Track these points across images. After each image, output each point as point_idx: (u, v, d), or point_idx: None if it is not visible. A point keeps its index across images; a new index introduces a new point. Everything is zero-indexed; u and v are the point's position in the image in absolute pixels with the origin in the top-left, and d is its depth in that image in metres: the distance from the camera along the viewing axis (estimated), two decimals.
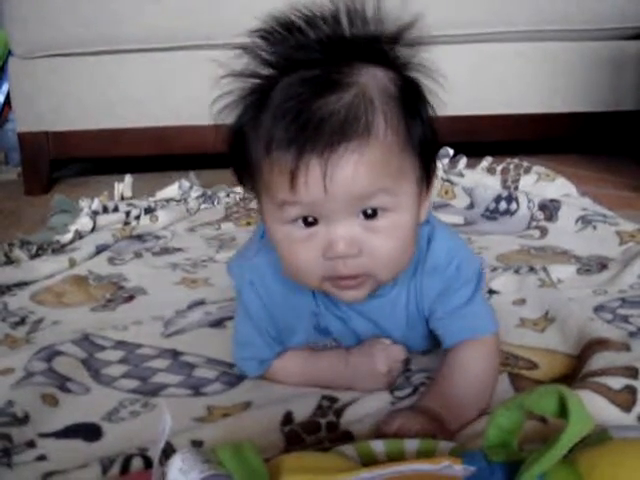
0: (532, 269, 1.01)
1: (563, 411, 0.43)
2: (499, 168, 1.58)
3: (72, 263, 1.18)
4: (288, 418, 0.66)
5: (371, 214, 0.59)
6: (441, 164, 1.57)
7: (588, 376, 0.66)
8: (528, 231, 1.29)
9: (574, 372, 0.72)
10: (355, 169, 0.56)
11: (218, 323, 0.91)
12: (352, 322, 0.71)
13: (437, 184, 1.46)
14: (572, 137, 2.05)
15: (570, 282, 0.99)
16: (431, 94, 0.62)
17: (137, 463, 0.59)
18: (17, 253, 1.19)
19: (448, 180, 1.53)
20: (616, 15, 1.90)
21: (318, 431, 0.64)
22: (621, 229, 1.20)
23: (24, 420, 0.68)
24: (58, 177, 2.01)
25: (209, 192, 1.64)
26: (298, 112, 0.56)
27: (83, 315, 0.98)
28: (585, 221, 1.26)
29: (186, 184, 1.67)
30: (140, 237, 1.36)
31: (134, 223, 1.42)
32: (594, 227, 1.24)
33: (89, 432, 0.67)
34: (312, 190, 0.57)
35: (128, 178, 1.69)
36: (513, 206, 1.39)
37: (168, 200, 1.59)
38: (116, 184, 1.66)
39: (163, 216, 1.45)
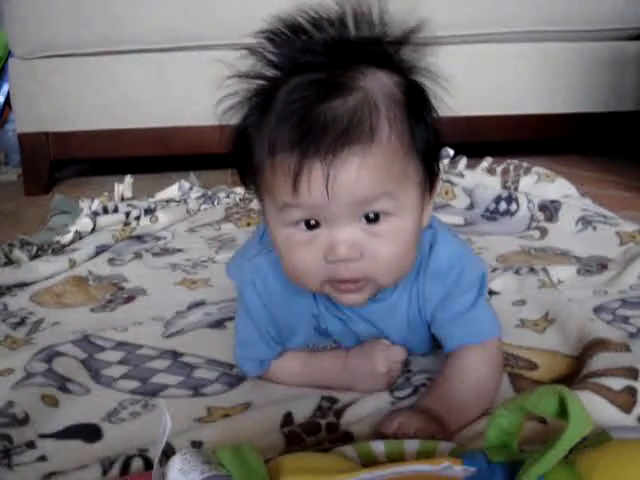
0: (532, 270, 1.01)
1: (563, 412, 0.43)
2: (499, 169, 1.58)
3: (72, 264, 1.18)
4: (288, 419, 0.66)
5: (373, 218, 0.59)
6: (441, 165, 1.57)
7: (588, 377, 0.66)
8: (528, 232, 1.29)
9: (574, 373, 0.72)
10: (358, 173, 0.56)
11: (218, 324, 0.91)
12: (352, 324, 0.71)
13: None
14: (572, 138, 2.05)
15: (570, 283, 0.99)
16: (436, 98, 0.62)
17: (137, 464, 0.59)
18: (17, 254, 1.19)
19: (448, 180, 1.52)
20: (616, 16, 1.90)
21: (318, 432, 0.64)
22: (621, 230, 1.20)
23: (24, 421, 0.68)
24: (58, 178, 2.01)
25: (209, 193, 1.64)
26: (302, 115, 0.56)
27: (83, 316, 0.98)
28: (585, 222, 1.26)
29: (186, 185, 1.67)
30: (140, 238, 1.36)
31: (134, 224, 1.42)
32: (594, 228, 1.24)
33: (89, 433, 0.67)
34: (314, 194, 0.56)
35: (128, 179, 1.69)
36: (513, 207, 1.39)
37: (168, 201, 1.59)
38: (116, 185, 1.66)
39: (163, 217, 1.45)
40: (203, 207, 1.58)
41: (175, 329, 0.90)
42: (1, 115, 2.30)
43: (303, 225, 0.60)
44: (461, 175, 1.57)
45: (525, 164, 1.57)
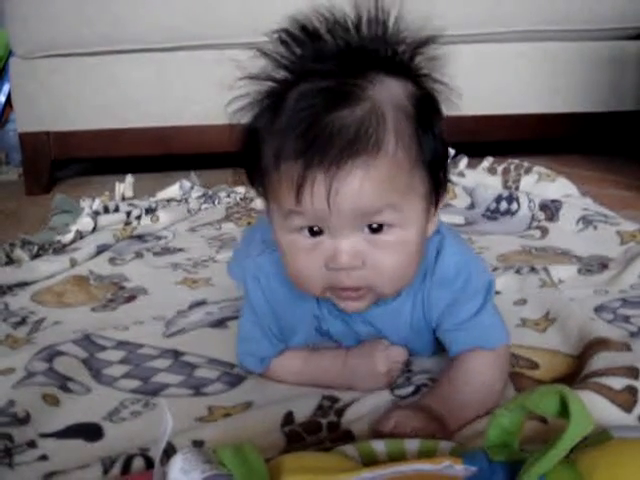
0: (533, 269, 1.01)
1: (564, 411, 0.43)
2: (500, 168, 1.58)
3: (73, 263, 1.18)
4: (289, 418, 0.66)
5: (377, 228, 0.59)
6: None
7: (589, 376, 0.66)
8: (529, 231, 1.29)
9: (575, 372, 0.72)
10: (361, 185, 0.56)
11: (219, 323, 0.91)
12: (354, 325, 0.71)
13: None
14: (572, 137, 2.05)
15: (571, 282, 0.99)
16: (445, 105, 0.62)
17: (138, 463, 0.59)
18: (18, 253, 1.19)
19: (449, 180, 1.52)
20: (616, 15, 1.90)
21: (319, 431, 0.64)
22: (622, 229, 1.20)
23: (25, 420, 0.68)
24: (59, 177, 2.01)
25: (210, 192, 1.64)
26: (309, 125, 0.55)
27: (84, 315, 0.98)
28: (586, 221, 1.26)
29: (187, 184, 1.67)
30: (141, 237, 1.36)
31: (135, 223, 1.42)
32: (595, 227, 1.24)
33: (90, 432, 0.67)
34: (317, 205, 0.56)
35: (129, 178, 1.69)
36: (514, 206, 1.39)
37: (169, 200, 1.60)
38: (117, 184, 1.66)
39: (164, 216, 1.45)
40: (204, 206, 1.58)
41: (176, 328, 0.90)
42: (2, 115, 2.30)
43: (307, 232, 0.60)
44: (462, 174, 1.57)
45: (526, 164, 1.57)
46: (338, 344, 0.74)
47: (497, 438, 0.48)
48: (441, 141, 0.62)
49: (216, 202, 1.59)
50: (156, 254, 1.25)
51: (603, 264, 1.06)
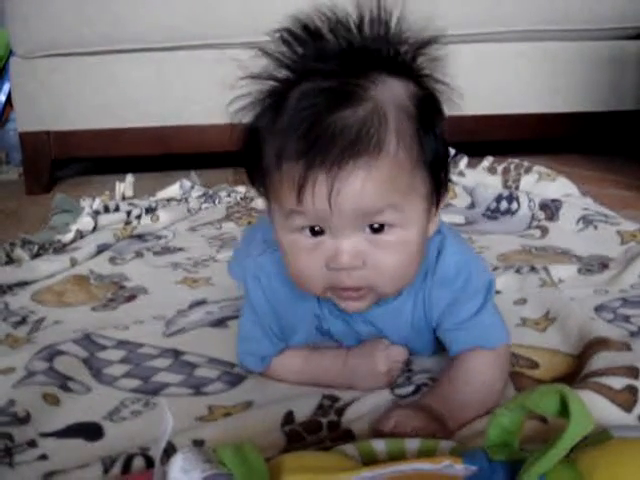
0: (533, 269, 1.01)
1: (564, 411, 0.43)
2: (500, 168, 1.58)
3: (73, 263, 1.18)
4: (289, 417, 0.66)
5: (378, 228, 0.59)
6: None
7: (589, 376, 0.66)
8: (529, 231, 1.29)
9: (575, 372, 0.72)
10: (362, 186, 0.56)
11: (219, 323, 0.91)
12: (355, 325, 0.71)
13: None
14: (573, 137, 2.05)
15: (571, 282, 0.99)
16: (446, 105, 0.62)
17: (138, 463, 0.59)
18: (18, 253, 1.19)
19: (450, 180, 1.52)
20: (616, 15, 1.90)
21: (319, 430, 0.64)
22: (622, 229, 1.20)
23: (25, 419, 0.68)
24: (59, 177, 2.01)
25: (210, 192, 1.64)
26: (311, 124, 0.55)
27: (84, 314, 0.98)
28: (586, 221, 1.26)
29: (187, 184, 1.67)
30: (141, 237, 1.36)
31: (135, 223, 1.42)
32: (595, 227, 1.24)
33: (90, 431, 0.67)
34: (318, 205, 0.56)
35: (129, 178, 1.69)
36: (514, 206, 1.39)
37: (169, 200, 1.60)
38: (117, 184, 1.66)
39: (164, 216, 1.45)
40: (204, 206, 1.58)
41: (176, 328, 0.90)
42: (2, 114, 2.30)
43: (308, 231, 0.60)
44: (462, 174, 1.57)
45: (526, 163, 1.57)
46: (339, 344, 0.74)
47: (497, 437, 0.48)
48: (442, 141, 0.62)
49: (216, 202, 1.59)
50: (156, 253, 1.25)
51: (603, 264, 1.06)
